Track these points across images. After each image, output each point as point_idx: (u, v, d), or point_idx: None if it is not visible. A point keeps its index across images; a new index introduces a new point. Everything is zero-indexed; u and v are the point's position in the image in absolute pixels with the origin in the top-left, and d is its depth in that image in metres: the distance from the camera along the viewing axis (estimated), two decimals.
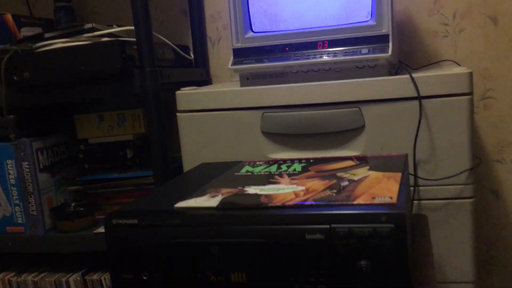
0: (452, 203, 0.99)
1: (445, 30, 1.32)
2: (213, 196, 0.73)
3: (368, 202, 0.63)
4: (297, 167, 0.86)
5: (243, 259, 0.64)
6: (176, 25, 1.51)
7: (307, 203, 0.65)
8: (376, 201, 0.63)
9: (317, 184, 0.73)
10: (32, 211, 1.27)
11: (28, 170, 1.26)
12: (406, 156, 0.87)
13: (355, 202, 0.63)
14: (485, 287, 1.39)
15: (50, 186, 1.31)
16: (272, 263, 0.63)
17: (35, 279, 1.30)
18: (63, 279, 1.28)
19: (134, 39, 1.15)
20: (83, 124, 1.38)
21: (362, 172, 0.78)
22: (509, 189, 1.34)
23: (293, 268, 0.62)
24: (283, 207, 0.65)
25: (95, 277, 1.27)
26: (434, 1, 1.31)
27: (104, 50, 1.11)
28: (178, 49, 1.36)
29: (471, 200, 0.99)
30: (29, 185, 1.26)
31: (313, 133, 1.03)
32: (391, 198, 0.63)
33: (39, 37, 1.23)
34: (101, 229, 1.25)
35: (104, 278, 1.26)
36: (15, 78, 1.17)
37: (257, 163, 0.93)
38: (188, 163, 1.12)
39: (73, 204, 1.31)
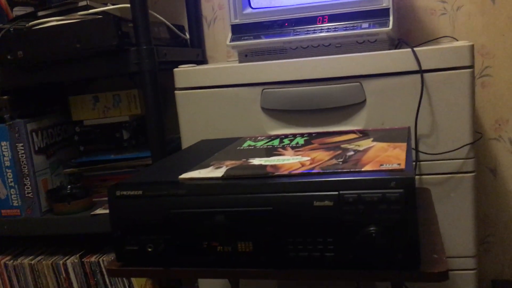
0: (453, 177, 0.99)
1: (443, 8, 1.31)
2: (217, 168, 0.72)
3: (376, 168, 0.62)
4: (300, 140, 0.86)
5: (250, 228, 0.63)
6: (170, 4, 1.49)
7: (314, 171, 0.64)
8: (384, 167, 0.62)
9: (322, 155, 0.73)
10: (28, 193, 1.25)
11: (23, 151, 1.24)
12: (409, 128, 0.87)
13: (363, 169, 0.63)
14: (482, 264, 1.40)
15: (45, 168, 1.30)
16: (279, 231, 0.62)
17: (32, 262, 1.28)
18: (60, 262, 1.27)
19: (129, 18, 1.13)
20: (77, 106, 1.36)
21: (366, 143, 0.78)
22: (507, 166, 1.34)
23: (301, 236, 0.62)
24: (290, 175, 0.64)
25: (93, 259, 1.25)
26: None
27: (100, 27, 1.09)
28: (173, 28, 1.34)
29: (472, 174, 0.99)
30: (24, 167, 1.24)
31: (313, 109, 1.02)
32: (399, 164, 0.62)
33: (32, 16, 1.20)
34: (99, 211, 1.24)
35: (102, 260, 1.25)
36: (8, 57, 1.15)
37: (259, 138, 0.92)
38: (187, 142, 1.11)
39: (69, 186, 1.30)
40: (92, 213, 1.23)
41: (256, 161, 0.73)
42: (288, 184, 0.62)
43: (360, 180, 0.60)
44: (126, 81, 1.53)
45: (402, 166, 0.61)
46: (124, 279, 1.25)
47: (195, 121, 1.09)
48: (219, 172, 0.69)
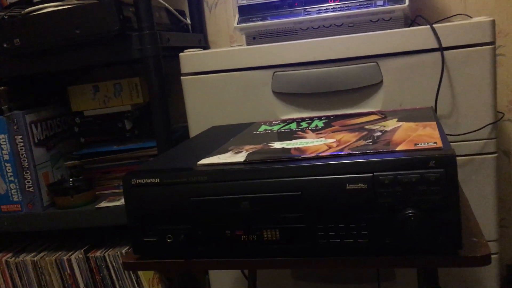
0: (475, 159, 0.95)
1: None
2: (237, 153, 0.67)
3: (411, 148, 0.58)
4: (319, 123, 0.81)
5: (277, 214, 0.59)
6: None
7: (344, 152, 0.60)
8: (420, 146, 0.58)
9: (348, 136, 0.69)
10: (29, 187, 1.21)
11: (22, 144, 1.19)
12: (432, 108, 0.83)
13: (397, 149, 0.59)
14: None
15: (46, 161, 1.25)
16: (309, 218, 0.58)
17: (35, 259, 1.24)
18: (65, 258, 1.22)
19: (129, 2, 1.08)
20: (77, 96, 1.31)
21: (392, 123, 0.74)
22: None
23: (332, 221, 0.58)
24: (318, 157, 0.60)
25: (98, 253, 1.21)
26: None
27: (100, 12, 1.04)
28: (175, 12, 1.29)
29: (494, 155, 0.95)
30: (24, 160, 1.20)
31: (328, 91, 0.98)
32: (435, 143, 0.58)
33: (28, 2, 1.15)
34: (103, 204, 1.19)
35: (108, 255, 1.21)
36: (5, 45, 1.10)
37: (274, 122, 0.88)
38: (195, 129, 1.06)
39: (71, 179, 1.25)
40: (96, 206, 1.18)
41: (277, 145, 0.69)
42: (318, 167, 0.58)
43: (396, 160, 0.56)
44: (125, 69, 1.48)
45: (440, 145, 0.57)
46: (131, 273, 1.21)
47: (203, 107, 1.05)
48: (240, 157, 0.65)
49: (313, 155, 0.61)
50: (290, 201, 0.59)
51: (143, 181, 0.63)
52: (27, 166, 1.20)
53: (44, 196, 1.23)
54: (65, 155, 1.32)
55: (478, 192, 0.96)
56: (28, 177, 1.20)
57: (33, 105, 1.25)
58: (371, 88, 0.96)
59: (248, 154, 0.65)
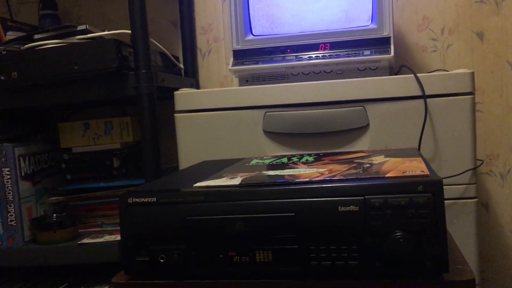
0: (456, 203, 0.99)
1: (433, 45, 1.35)
2: (232, 178, 0.69)
3: (399, 175, 0.61)
4: (309, 158, 0.84)
5: (270, 235, 0.61)
6: (165, 36, 1.50)
7: (337, 178, 0.63)
8: (408, 174, 0.61)
9: (338, 167, 0.71)
10: (11, 221, 1.19)
11: (9, 177, 1.19)
12: (416, 148, 0.87)
13: (386, 176, 0.62)
14: None
15: (30, 195, 1.24)
16: (301, 239, 0.60)
17: None
18: None
19: (128, 43, 1.13)
20: (67, 132, 1.33)
21: (379, 158, 0.77)
22: (499, 202, 1.35)
23: (324, 243, 0.59)
24: (312, 181, 0.63)
25: None
26: (422, 17, 1.35)
27: (100, 49, 1.08)
28: (170, 56, 1.34)
29: (475, 200, 0.99)
30: (9, 193, 1.19)
31: (316, 132, 1.02)
32: (422, 171, 0.62)
33: (28, 39, 1.19)
34: (86, 240, 1.18)
35: None
36: (2, 78, 1.12)
37: (264, 157, 0.91)
38: (186, 166, 1.08)
39: (55, 215, 1.24)
40: (79, 242, 1.17)
41: (271, 173, 0.71)
42: (311, 189, 0.60)
43: (386, 184, 0.58)
44: (117, 110, 1.51)
45: (427, 172, 0.61)
46: None
47: (194, 144, 1.07)
48: (235, 181, 0.67)
49: (307, 179, 0.63)
50: (284, 222, 0.60)
51: (140, 200, 0.64)
52: (12, 199, 1.19)
53: (25, 231, 1.21)
54: (50, 191, 1.32)
55: (460, 237, 0.99)
56: (12, 211, 1.19)
57: (23, 139, 1.26)
58: (358, 130, 1.01)
59: (243, 179, 0.67)
